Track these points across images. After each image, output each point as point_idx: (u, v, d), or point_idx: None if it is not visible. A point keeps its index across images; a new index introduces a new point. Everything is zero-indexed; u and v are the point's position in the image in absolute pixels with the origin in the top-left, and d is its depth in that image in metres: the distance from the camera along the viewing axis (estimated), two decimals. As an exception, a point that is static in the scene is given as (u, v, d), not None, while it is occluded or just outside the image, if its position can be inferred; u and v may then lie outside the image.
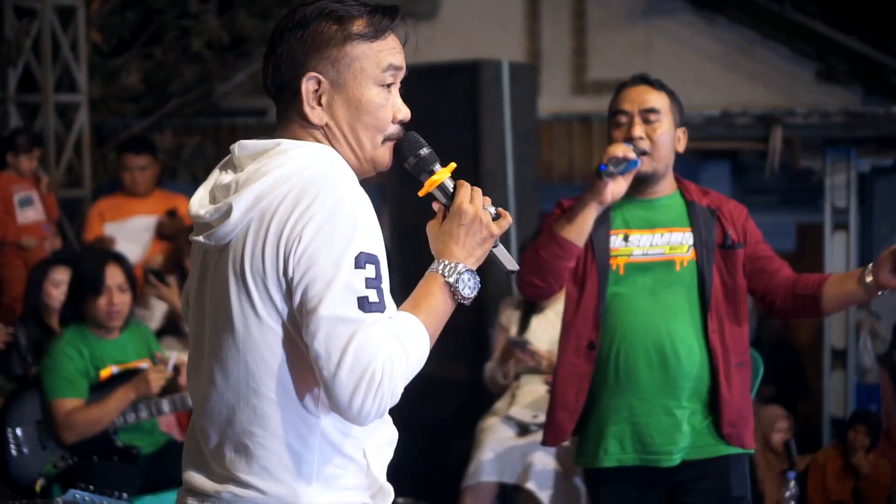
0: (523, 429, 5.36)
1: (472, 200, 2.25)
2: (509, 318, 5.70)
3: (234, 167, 2.23)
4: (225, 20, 8.56)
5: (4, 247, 7.09)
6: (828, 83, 9.18)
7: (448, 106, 6.11)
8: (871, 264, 3.38)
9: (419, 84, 6.29)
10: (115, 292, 4.91)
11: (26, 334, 5.77)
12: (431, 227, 2.29)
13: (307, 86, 2.20)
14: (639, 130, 3.55)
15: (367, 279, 2.04)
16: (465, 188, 2.27)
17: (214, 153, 8.79)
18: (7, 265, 7.05)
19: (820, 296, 3.50)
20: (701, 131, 8.40)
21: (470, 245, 2.23)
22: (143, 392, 4.79)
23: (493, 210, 2.27)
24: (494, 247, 2.28)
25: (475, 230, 2.23)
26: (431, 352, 6.05)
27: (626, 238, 3.60)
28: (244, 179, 2.14)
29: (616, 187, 3.49)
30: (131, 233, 6.93)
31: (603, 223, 3.60)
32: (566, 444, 3.93)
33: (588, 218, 3.50)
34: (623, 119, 3.59)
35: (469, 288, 2.21)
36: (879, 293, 3.42)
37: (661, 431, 3.54)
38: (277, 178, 2.11)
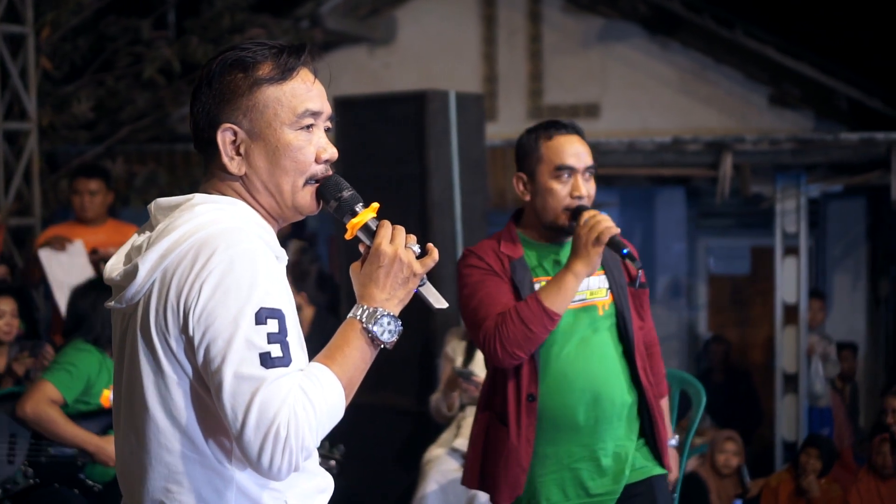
0: (468, 461, 5.35)
1: (393, 240, 2.21)
2: (455, 349, 5.69)
3: (151, 227, 2.22)
4: (177, 47, 8.53)
5: (-50, 277, 7.01)
6: (780, 107, 9.26)
7: (395, 136, 6.11)
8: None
9: (366, 115, 6.38)
10: None
11: (-30, 365, 5.72)
12: (353, 270, 2.25)
13: (223, 137, 2.19)
14: (584, 189, 3.54)
15: (269, 334, 2.02)
16: (386, 228, 2.23)
17: (168, 180, 8.76)
18: (-47, 295, 6.96)
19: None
20: (652, 158, 8.45)
21: (390, 287, 2.19)
22: (102, 460, 4.82)
23: (417, 248, 2.23)
24: (421, 285, 2.24)
25: (395, 271, 2.19)
26: (378, 382, 6.05)
27: None
28: (153, 238, 2.14)
29: None
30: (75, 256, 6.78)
31: (525, 272, 3.58)
32: None
33: (576, 288, 3.47)
34: (566, 175, 3.54)
35: (389, 332, 2.17)
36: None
37: (602, 473, 3.55)
38: (180, 236, 2.10)
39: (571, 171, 3.53)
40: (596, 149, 8.59)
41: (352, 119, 6.26)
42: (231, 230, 2.11)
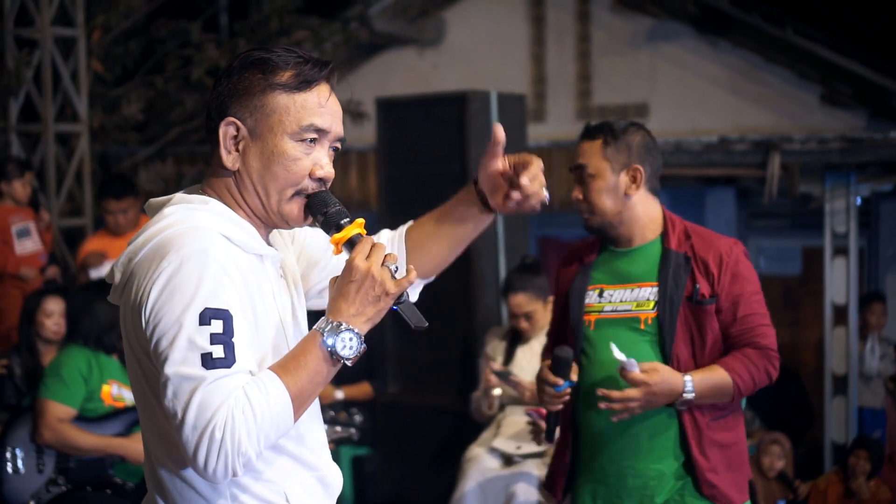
0: (507, 459, 5.36)
1: (369, 257, 2.15)
2: (495, 349, 5.70)
3: None
4: (225, 49, 8.62)
5: (2, 277, 7.13)
6: (832, 107, 9.14)
7: (437, 136, 6.14)
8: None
9: (408, 115, 6.41)
10: None
11: (21, 364, 5.81)
12: (331, 283, 2.22)
13: (225, 130, 2.21)
14: (576, 192, 3.54)
15: (212, 335, 2.03)
16: (365, 244, 2.18)
17: (216, 180, 8.83)
18: (4, 295, 7.09)
19: None
20: (700, 158, 8.39)
21: (360, 303, 2.13)
22: (132, 460, 4.86)
23: (394, 267, 2.18)
24: (400, 302, 2.19)
25: (366, 288, 2.13)
26: (420, 381, 6.04)
27: (601, 293, 3.51)
28: (131, 240, 2.20)
29: None
30: None
31: (582, 278, 3.55)
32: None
33: None
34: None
35: (349, 349, 2.11)
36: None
37: (627, 492, 3.48)
38: (145, 239, 2.15)
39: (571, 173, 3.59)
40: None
41: (394, 119, 6.31)
42: (188, 231, 2.13)
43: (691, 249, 3.46)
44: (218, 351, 2.02)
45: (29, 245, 7.16)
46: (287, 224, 2.27)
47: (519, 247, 6.31)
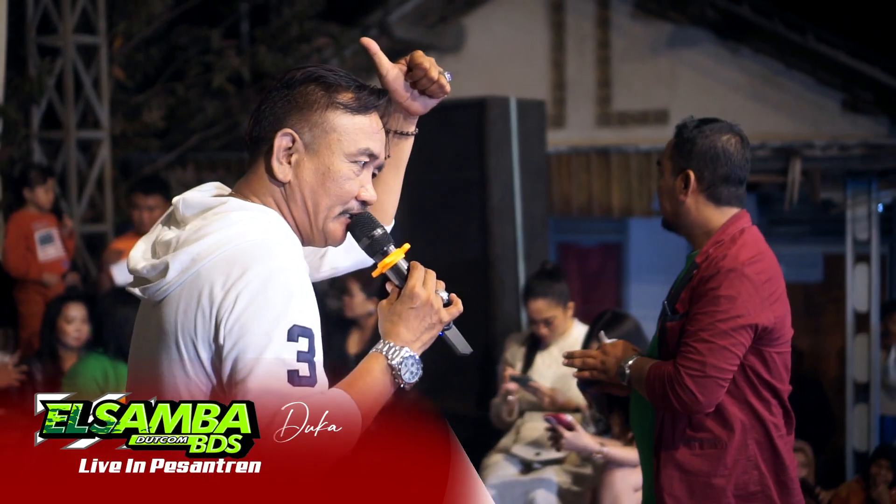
0: (526, 466, 5.36)
1: (425, 284, 2.22)
2: (514, 355, 5.71)
3: (178, 223, 2.21)
4: (246, 56, 8.66)
5: (25, 283, 7.18)
6: (853, 113, 9.11)
7: (455, 143, 6.15)
8: None
9: (427, 121, 6.39)
10: None
11: (42, 370, 5.83)
12: (382, 307, 2.25)
13: (280, 141, 2.20)
14: None
15: (299, 352, 2.02)
16: (419, 271, 2.23)
17: (237, 187, 8.88)
18: (27, 301, 7.14)
19: None
20: (719, 164, 8.36)
21: (418, 329, 2.20)
22: None
23: (445, 296, 2.24)
24: (447, 329, 2.26)
25: (425, 314, 2.20)
26: (439, 387, 6.06)
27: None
28: (184, 239, 2.13)
29: None
30: None
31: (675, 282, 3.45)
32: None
33: None
34: None
35: (411, 373, 2.18)
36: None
37: None
38: (215, 242, 2.10)
39: None
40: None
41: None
42: (268, 242, 2.12)
43: (702, 263, 3.27)
44: (304, 369, 2.02)
45: (52, 251, 7.20)
46: (325, 242, 2.28)
47: (538, 253, 6.31)
